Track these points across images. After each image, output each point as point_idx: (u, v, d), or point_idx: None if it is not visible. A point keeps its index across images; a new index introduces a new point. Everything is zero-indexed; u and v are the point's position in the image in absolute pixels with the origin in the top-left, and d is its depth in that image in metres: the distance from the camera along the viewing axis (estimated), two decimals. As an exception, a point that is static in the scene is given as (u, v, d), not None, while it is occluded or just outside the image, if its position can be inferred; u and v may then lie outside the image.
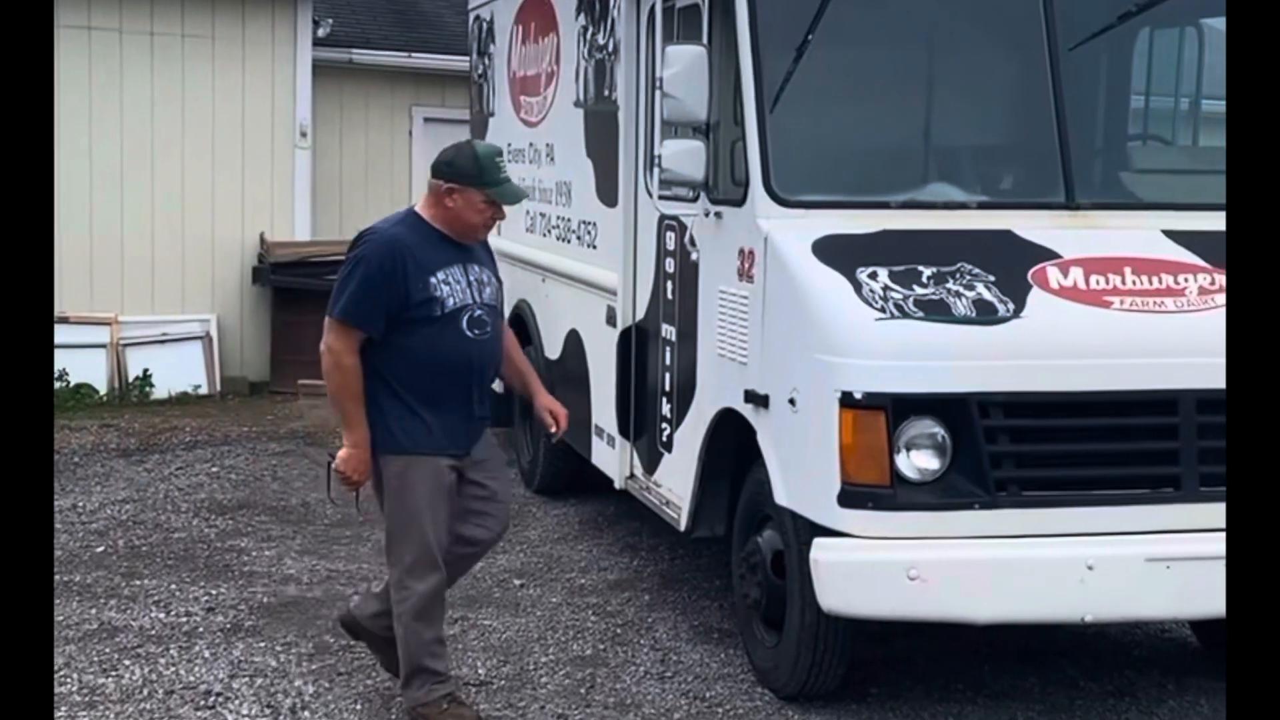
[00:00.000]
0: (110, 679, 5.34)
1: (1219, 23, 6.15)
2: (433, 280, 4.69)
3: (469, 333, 4.74)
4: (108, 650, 5.63)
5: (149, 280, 11.54)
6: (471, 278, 4.79)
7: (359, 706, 5.13)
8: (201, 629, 5.92)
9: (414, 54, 13.05)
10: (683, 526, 5.81)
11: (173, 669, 5.45)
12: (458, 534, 4.93)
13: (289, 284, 11.58)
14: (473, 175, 4.72)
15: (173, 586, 6.47)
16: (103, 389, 11.07)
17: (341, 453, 4.78)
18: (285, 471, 8.89)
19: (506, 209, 4.90)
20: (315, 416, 10.70)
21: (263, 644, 5.74)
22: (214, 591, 6.42)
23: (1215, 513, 4.71)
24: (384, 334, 4.69)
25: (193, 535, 7.38)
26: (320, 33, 12.23)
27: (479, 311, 4.77)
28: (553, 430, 5.13)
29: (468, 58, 10.10)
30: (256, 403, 11.36)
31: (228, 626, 5.96)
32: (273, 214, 11.93)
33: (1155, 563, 4.63)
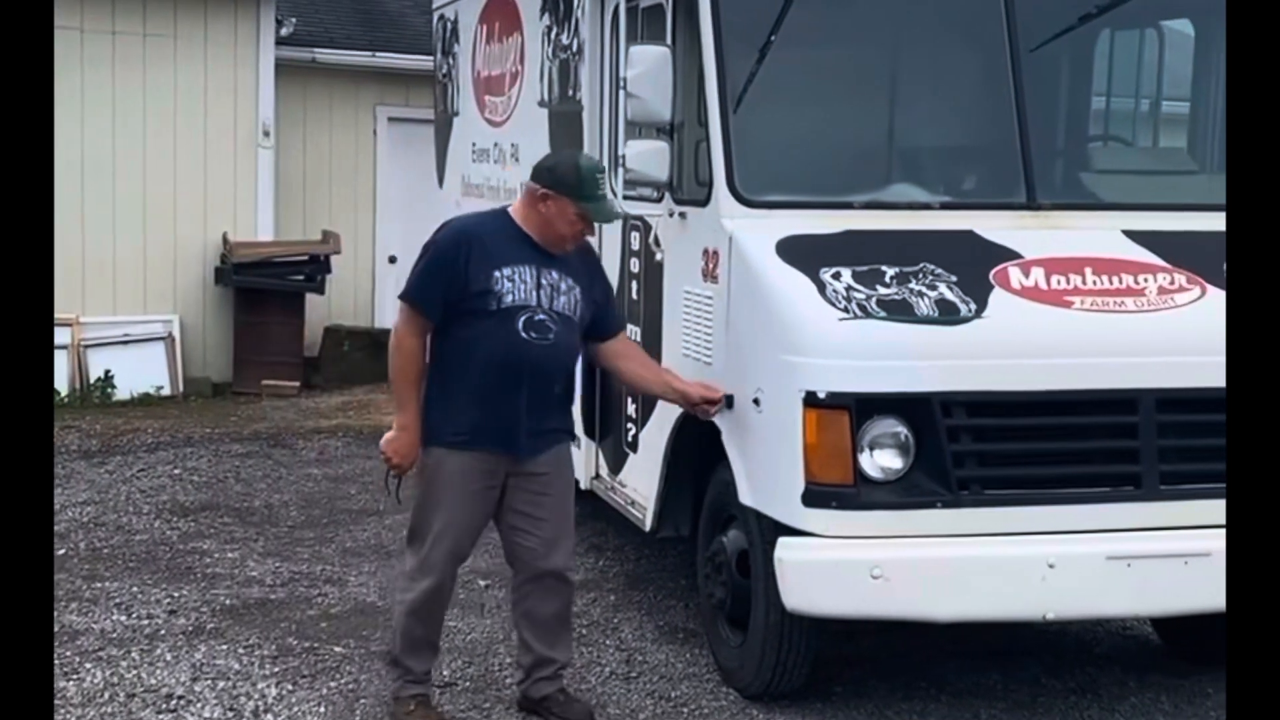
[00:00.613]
0: (71, 682, 5.29)
1: (1179, 24, 6.21)
2: (496, 274, 4.64)
3: (524, 334, 4.64)
4: (69, 653, 5.58)
5: (110, 281, 11.47)
6: (544, 281, 4.70)
7: (322, 709, 5.11)
8: (163, 631, 5.88)
9: (378, 53, 13.00)
10: (648, 527, 5.82)
11: (134, 672, 5.42)
12: (506, 552, 4.95)
13: (252, 284, 11.54)
14: (571, 185, 4.68)
15: (134, 589, 6.43)
16: (64, 390, 10.99)
17: (389, 434, 4.79)
18: (248, 473, 8.84)
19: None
20: (279, 417, 10.66)
21: (225, 646, 5.71)
22: (176, 594, 6.38)
23: (1175, 511, 4.77)
24: (442, 320, 4.67)
25: (154, 537, 7.33)
26: (283, 32, 12.17)
27: (541, 316, 4.67)
28: (713, 411, 5.05)
29: (432, 57, 10.08)
30: (219, 404, 11.31)
31: (190, 629, 5.92)
32: (235, 214, 11.88)
33: (1116, 561, 4.66)
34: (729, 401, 5.03)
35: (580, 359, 4.97)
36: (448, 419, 4.71)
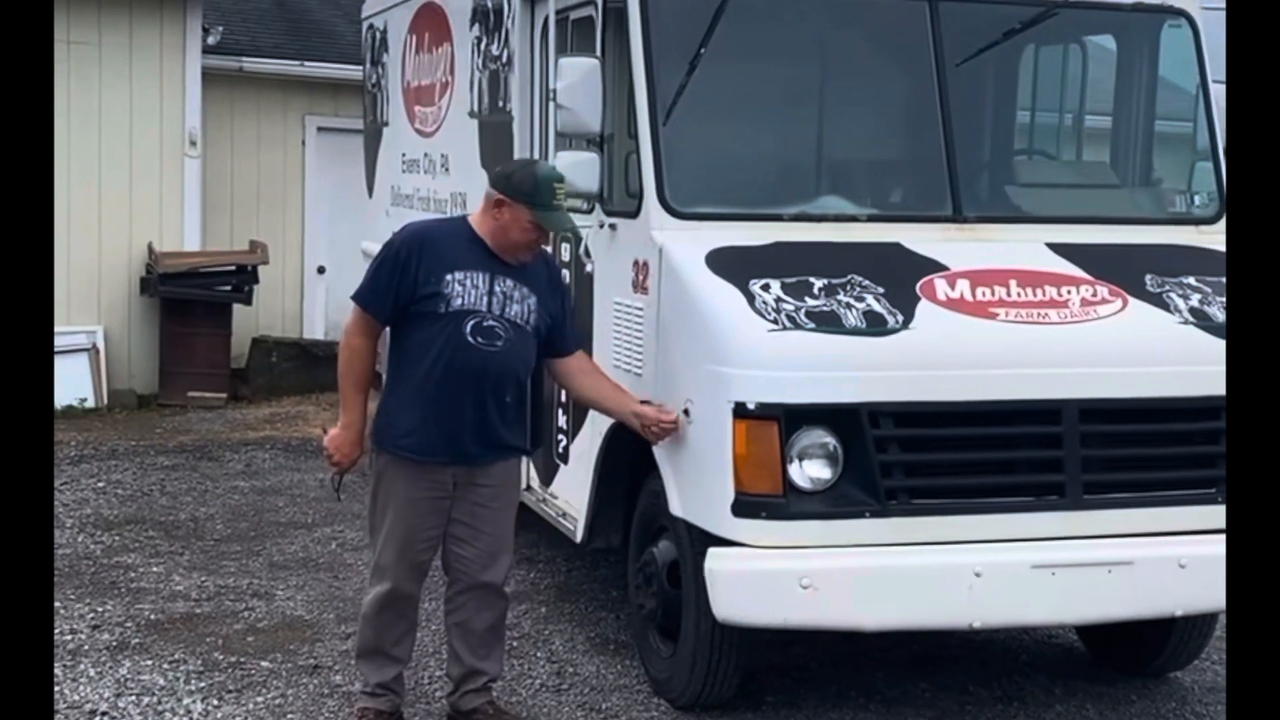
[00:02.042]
0: (-9, 700, 5.21)
1: (1102, 40, 6.32)
2: (447, 277, 4.62)
3: (472, 339, 4.61)
4: (-12, 671, 5.49)
5: (33, 291, 11.29)
6: (498, 288, 4.67)
7: (249, 724, 5.06)
8: (87, 647, 5.80)
9: (306, 62, 12.89)
10: (579, 538, 5.81)
11: (57, 688, 5.33)
12: (443, 560, 4.91)
13: (178, 295, 11.41)
14: (526, 193, 4.65)
15: (57, 604, 6.32)
16: (-16, 402, 10.79)
17: (332, 430, 4.78)
18: (174, 485, 8.73)
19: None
20: (205, 429, 10.55)
21: (150, 662, 5.64)
22: (100, 609, 6.28)
23: (1098, 520, 4.84)
24: (396, 322, 4.67)
25: (78, 551, 7.23)
26: (210, 40, 12.05)
27: (490, 322, 4.63)
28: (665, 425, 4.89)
29: (361, 67, 10.03)
30: (145, 416, 11.16)
31: (114, 644, 5.84)
32: (161, 224, 11.74)
33: (1041, 569, 4.72)
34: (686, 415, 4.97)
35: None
36: (395, 421, 4.71)
